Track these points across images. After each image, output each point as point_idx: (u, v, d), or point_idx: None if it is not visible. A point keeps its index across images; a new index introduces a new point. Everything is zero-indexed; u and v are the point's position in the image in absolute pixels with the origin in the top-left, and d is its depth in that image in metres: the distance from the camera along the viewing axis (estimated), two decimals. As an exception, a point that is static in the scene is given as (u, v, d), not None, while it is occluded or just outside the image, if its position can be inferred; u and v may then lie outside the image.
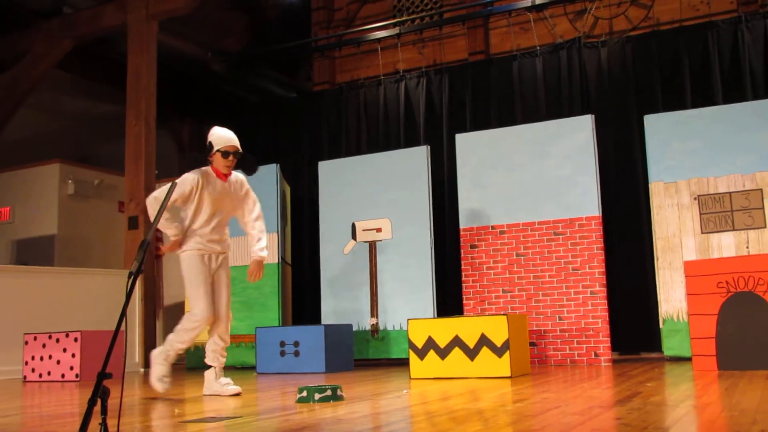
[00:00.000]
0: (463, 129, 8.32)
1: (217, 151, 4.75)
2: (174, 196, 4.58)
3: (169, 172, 10.91)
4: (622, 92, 8.03)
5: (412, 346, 5.76)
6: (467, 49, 9.52)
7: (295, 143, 9.63)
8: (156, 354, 4.76)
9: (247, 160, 4.93)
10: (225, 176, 4.85)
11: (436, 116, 8.88)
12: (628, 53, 8.09)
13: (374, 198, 7.92)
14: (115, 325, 2.80)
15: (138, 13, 8.66)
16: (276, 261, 8.14)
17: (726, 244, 6.47)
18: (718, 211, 6.55)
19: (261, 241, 4.95)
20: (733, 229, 6.47)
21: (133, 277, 3.19)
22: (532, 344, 6.66)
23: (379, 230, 7.85)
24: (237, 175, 4.98)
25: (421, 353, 5.71)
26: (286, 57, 10.66)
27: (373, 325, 7.75)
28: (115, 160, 9.57)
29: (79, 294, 7.83)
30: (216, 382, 4.73)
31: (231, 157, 4.78)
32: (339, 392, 4.01)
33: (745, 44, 7.56)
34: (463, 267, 7.26)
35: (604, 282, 6.64)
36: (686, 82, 7.76)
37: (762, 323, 4.99)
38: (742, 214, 6.47)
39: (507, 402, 3.77)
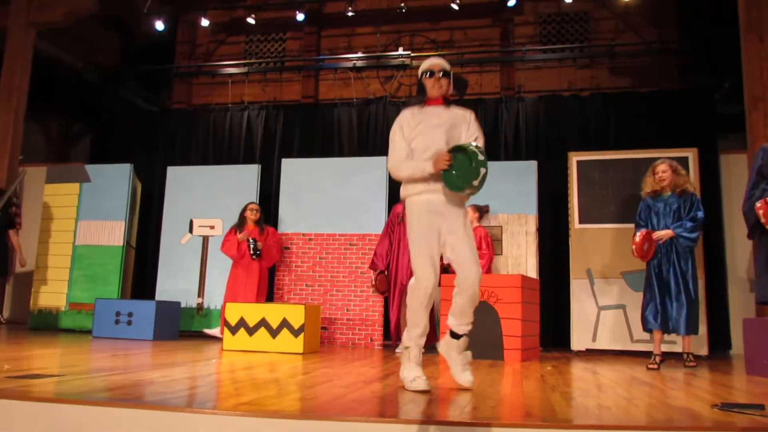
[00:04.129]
0: (291, 155, 8.24)
1: (422, 73, 3.37)
2: (397, 143, 3.30)
3: (34, 157, 9.95)
4: (412, 142, 8.30)
5: (226, 323, 5.58)
6: (301, 92, 9.44)
7: (151, 150, 9.06)
8: (402, 356, 3.31)
9: (460, 80, 3.48)
10: (440, 102, 3.36)
11: (270, 142, 8.73)
12: (420, 114, 8.39)
13: (211, 201, 7.65)
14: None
15: (18, 20, 7.82)
16: (121, 244, 7.62)
17: (473, 264, 6.83)
18: (470, 239, 6.91)
19: None
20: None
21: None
22: (323, 328, 6.67)
23: (212, 227, 7.57)
24: (459, 108, 3.41)
25: (234, 330, 5.54)
26: (151, 77, 10.06)
27: (198, 303, 7.44)
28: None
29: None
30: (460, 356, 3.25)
31: (437, 75, 3.33)
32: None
33: (503, 118, 8.07)
34: (276, 264, 7.14)
35: (384, 284, 6.78)
36: (459, 140, 8.15)
37: (490, 324, 5.27)
38: (486, 243, 6.87)
39: (297, 374, 3.71)
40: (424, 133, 3.28)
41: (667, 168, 5.18)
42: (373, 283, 6.09)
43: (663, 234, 5.08)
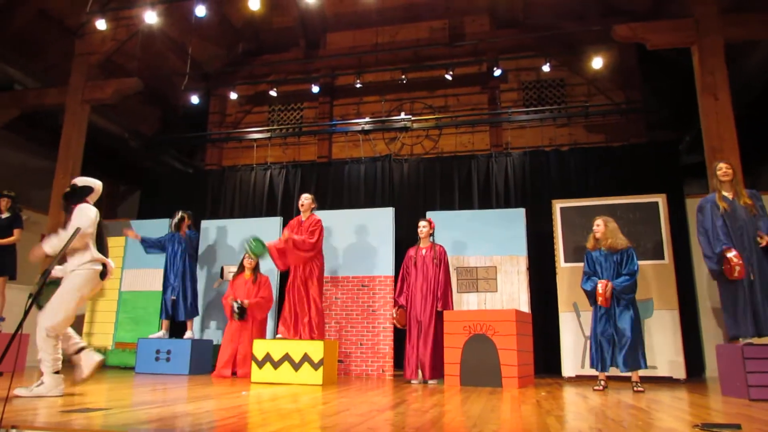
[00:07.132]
0: (308, 207, 8.27)
1: None
2: None
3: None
4: (414, 193, 8.33)
5: (254, 358, 5.50)
6: (317, 153, 9.57)
7: (187, 205, 9.10)
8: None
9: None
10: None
11: (290, 196, 8.79)
12: (421, 168, 8.45)
13: (240, 250, 7.64)
14: (19, 329, 2.46)
15: (75, 98, 8.02)
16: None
17: (472, 301, 6.75)
18: (469, 279, 6.84)
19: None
20: (477, 291, 6.78)
21: (32, 297, 2.83)
22: (340, 361, 6.57)
23: (240, 273, 7.53)
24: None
25: (260, 364, 5.46)
26: (187, 143, 10.24)
27: (229, 341, 7.33)
28: (41, 203, 8.66)
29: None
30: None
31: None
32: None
33: (493, 171, 8.11)
34: (298, 303, 7.08)
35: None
36: (455, 191, 8.17)
37: (488, 355, 5.18)
38: (483, 281, 6.80)
39: (317, 404, 3.63)
40: None
41: (601, 222, 5.25)
42: (394, 316, 6.05)
43: (608, 288, 5.00)
